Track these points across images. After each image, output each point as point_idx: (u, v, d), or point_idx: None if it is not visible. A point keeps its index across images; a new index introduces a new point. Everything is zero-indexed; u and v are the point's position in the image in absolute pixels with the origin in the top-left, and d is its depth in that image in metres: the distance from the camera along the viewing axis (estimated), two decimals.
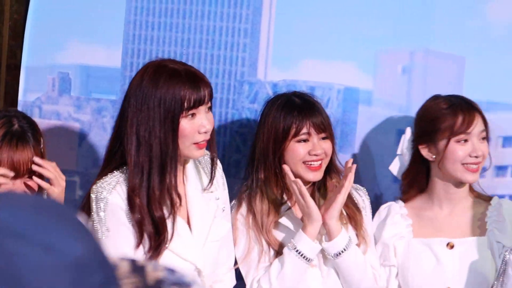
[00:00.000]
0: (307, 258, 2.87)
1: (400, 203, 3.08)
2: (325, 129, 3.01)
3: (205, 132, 2.67)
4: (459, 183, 3.06)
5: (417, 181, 3.07)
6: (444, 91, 3.13)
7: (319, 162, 2.98)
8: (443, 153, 3.03)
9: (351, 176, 2.89)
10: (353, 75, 3.39)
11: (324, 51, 3.38)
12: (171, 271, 1.40)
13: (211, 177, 2.79)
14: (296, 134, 2.98)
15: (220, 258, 2.89)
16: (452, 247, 2.97)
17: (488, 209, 3.01)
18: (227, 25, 3.31)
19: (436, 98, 3.09)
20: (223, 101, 3.30)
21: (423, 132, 3.06)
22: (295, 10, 3.35)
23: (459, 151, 3.01)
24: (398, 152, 3.09)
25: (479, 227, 3.03)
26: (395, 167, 3.11)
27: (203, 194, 2.81)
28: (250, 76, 3.35)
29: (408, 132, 3.07)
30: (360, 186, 3.13)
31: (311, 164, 3.00)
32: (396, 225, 3.07)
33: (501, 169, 3.23)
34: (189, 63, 3.12)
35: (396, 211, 3.07)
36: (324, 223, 2.89)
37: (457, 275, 3.03)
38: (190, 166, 2.80)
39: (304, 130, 2.96)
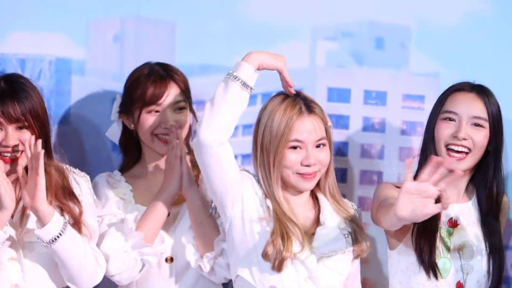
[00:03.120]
0: None
1: (117, 172, 3.11)
2: (19, 119, 2.87)
3: None
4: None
5: (129, 149, 3.11)
6: (157, 57, 3.19)
7: (14, 154, 2.87)
8: (137, 123, 3.06)
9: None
10: (65, 45, 3.42)
11: (33, 22, 3.38)
12: None
13: None
14: None
15: None
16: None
17: None
18: None
19: (144, 65, 3.11)
20: None
21: (123, 101, 3.08)
22: None
23: (149, 121, 3.04)
24: (112, 118, 3.11)
25: None
26: (112, 133, 3.15)
27: None
28: None
29: (119, 98, 3.08)
30: (80, 172, 3.05)
31: (4, 156, 2.87)
32: (115, 193, 3.07)
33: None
34: None
35: (114, 180, 3.07)
36: (35, 210, 2.81)
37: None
38: None
39: None
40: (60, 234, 2.81)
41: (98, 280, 3.01)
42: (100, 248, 3.04)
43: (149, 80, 3.10)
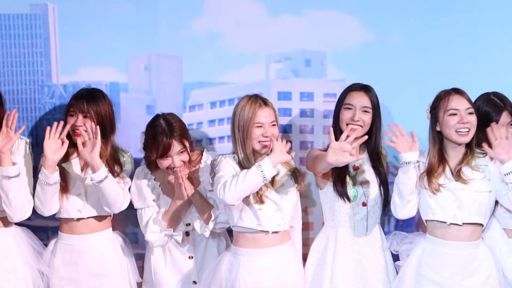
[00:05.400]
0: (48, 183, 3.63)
1: (147, 171, 3.86)
2: (83, 111, 3.70)
3: None
4: None
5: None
6: (171, 78, 4.06)
7: (81, 131, 3.68)
8: (155, 161, 3.75)
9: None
10: (114, 74, 4.17)
11: (93, 60, 4.14)
12: None
13: None
14: (67, 111, 3.76)
15: None
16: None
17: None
18: (29, 50, 4.14)
19: (156, 122, 3.71)
20: (31, 100, 4.16)
21: (145, 145, 3.77)
22: (73, 35, 4.15)
23: (163, 163, 3.72)
24: (139, 151, 3.89)
25: None
26: (142, 139, 3.85)
27: None
28: (48, 82, 4.14)
29: (142, 136, 3.78)
30: (127, 151, 3.86)
31: (76, 132, 3.72)
32: (148, 185, 3.84)
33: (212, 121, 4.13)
34: (8, 77, 4.09)
35: (146, 174, 3.84)
36: (91, 160, 3.58)
37: None
38: None
39: (71, 109, 3.73)
40: (105, 178, 3.64)
41: (124, 207, 3.77)
42: (146, 237, 3.81)
43: (160, 140, 3.70)
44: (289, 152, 3.49)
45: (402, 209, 3.71)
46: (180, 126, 3.80)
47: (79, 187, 3.83)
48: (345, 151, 3.38)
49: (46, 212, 3.75)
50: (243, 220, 3.63)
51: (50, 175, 3.64)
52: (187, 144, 3.79)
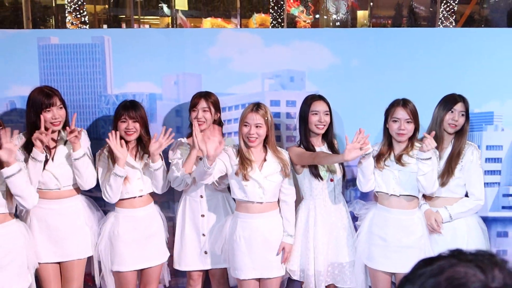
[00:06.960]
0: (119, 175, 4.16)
1: (185, 139, 4.40)
2: (133, 117, 4.19)
3: (52, 118, 4.15)
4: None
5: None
6: (192, 91, 4.47)
7: (131, 131, 4.21)
8: (190, 115, 4.21)
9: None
10: (153, 87, 4.74)
11: (136, 77, 4.72)
12: None
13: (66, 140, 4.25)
14: (118, 119, 4.23)
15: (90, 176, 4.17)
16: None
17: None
18: (90, 70, 4.71)
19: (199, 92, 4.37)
20: (92, 106, 4.73)
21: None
22: (122, 59, 4.71)
23: (192, 115, 4.17)
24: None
25: None
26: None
27: (66, 146, 4.30)
28: (104, 92, 4.72)
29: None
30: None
31: (128, 133, 4.26)
32: (181, 149, 4.31)
33: None
34: (75, 89, 4.63)
35: (182, 143, 4.35)
36: (153, 155, 4.12)
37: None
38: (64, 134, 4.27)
39: (123, 117, 4.26)
40: (160, 167, 4.28)
41: (164, 191, 4.30)
42: (168, 176, 4.27)
43: (194, 97, 4.33)
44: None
45: (365, 185, 4.30)
46: (215, 97, 4.37)
47: (137, 173, 4.39)
48: (356, 148, 3.90)
49: (114, 200, 4.33)
50: (235, 193, 4.20)
51: (123, 169, 4.29)
52: (212, 109, 4.32)
